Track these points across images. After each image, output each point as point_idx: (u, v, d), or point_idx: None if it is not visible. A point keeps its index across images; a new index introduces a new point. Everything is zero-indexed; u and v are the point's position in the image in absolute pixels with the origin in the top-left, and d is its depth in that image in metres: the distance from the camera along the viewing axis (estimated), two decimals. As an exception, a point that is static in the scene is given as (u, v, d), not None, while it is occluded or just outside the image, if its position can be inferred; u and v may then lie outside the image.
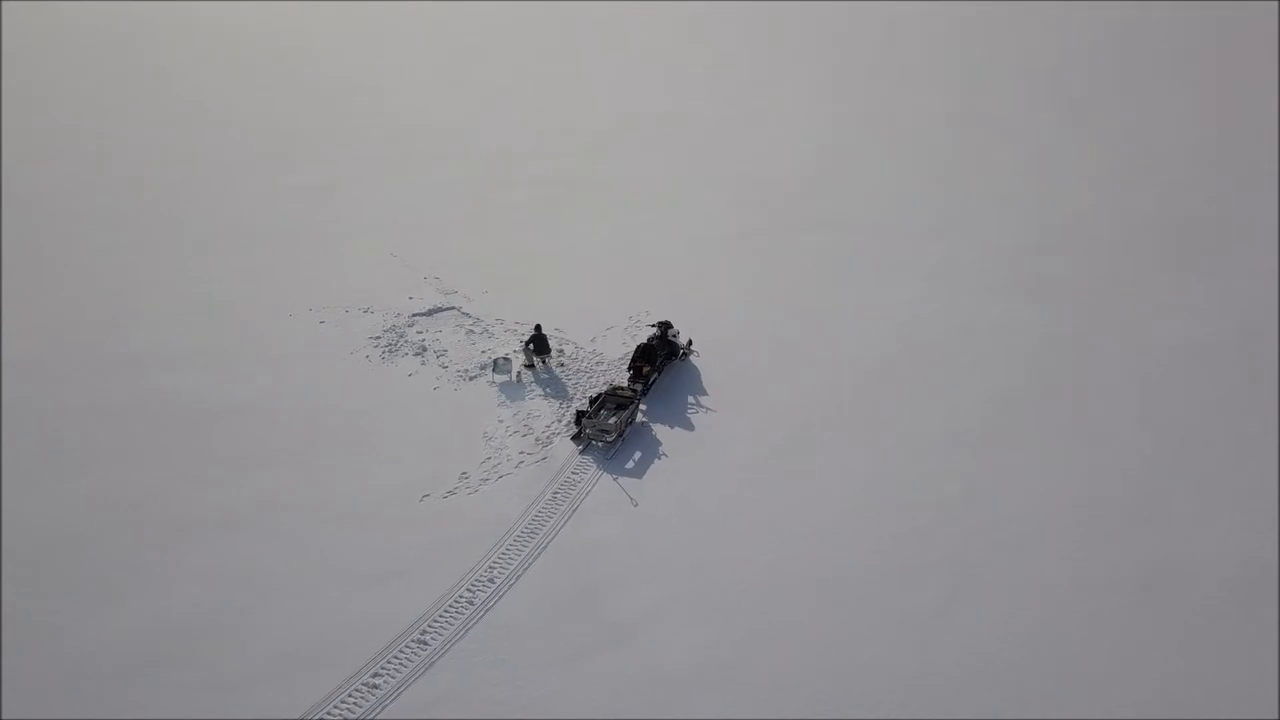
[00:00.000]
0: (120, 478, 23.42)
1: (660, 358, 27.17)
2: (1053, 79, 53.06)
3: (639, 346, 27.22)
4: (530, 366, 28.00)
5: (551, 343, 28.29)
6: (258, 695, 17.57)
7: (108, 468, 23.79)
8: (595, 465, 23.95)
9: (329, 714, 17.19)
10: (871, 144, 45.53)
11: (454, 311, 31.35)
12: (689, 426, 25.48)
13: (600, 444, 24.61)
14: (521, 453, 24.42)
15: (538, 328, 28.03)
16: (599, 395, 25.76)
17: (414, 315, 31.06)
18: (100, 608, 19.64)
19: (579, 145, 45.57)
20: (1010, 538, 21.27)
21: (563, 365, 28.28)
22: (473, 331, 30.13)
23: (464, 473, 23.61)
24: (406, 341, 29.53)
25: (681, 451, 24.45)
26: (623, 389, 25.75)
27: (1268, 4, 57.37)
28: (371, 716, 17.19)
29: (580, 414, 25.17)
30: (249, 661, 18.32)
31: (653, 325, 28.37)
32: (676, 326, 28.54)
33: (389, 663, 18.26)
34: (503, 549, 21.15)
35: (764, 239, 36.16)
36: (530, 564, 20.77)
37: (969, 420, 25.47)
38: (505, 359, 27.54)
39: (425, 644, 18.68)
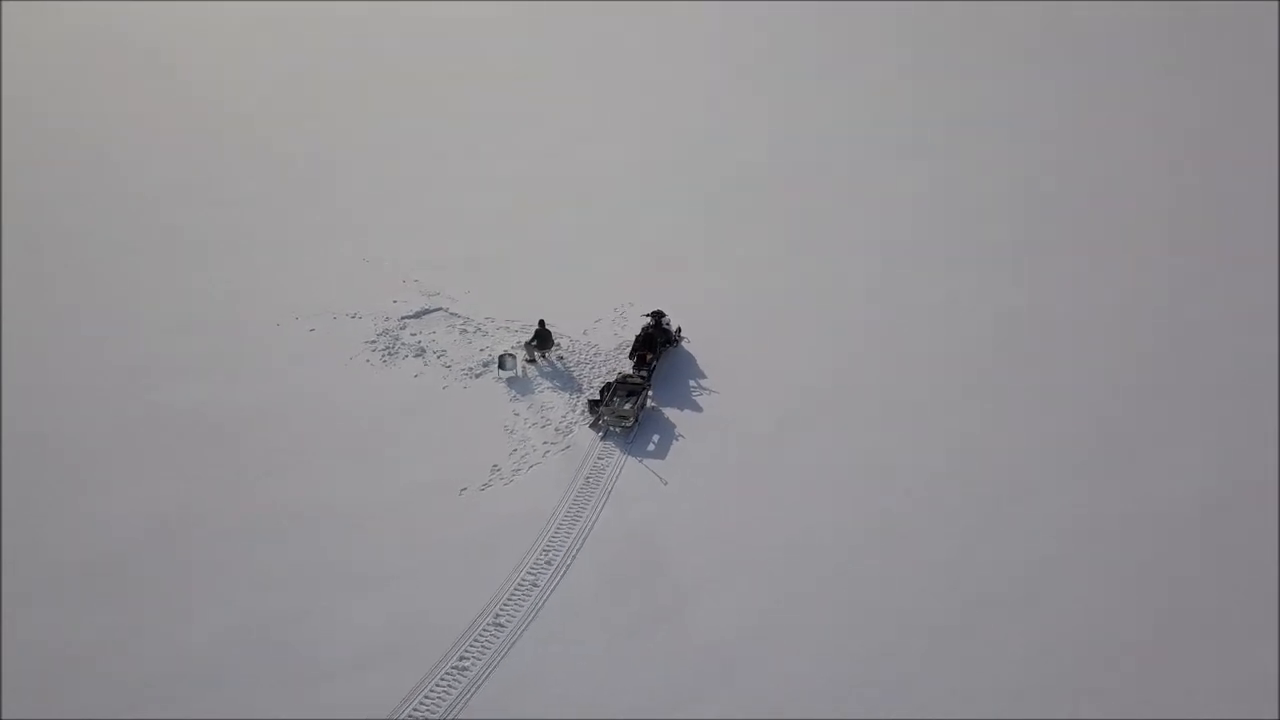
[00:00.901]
0: (149, 493, 23.54)
1: (659, 345, 28.57)
2: (1019, 65, 54.49)
3: (639, 335, 28.57)
4: (532, 361, 28.97)
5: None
6: (354, 686, 18.36)
7: (134, 484, 23.87)
8: (618, 450, 25.21)
9: (428, 697, 18.07)
10: (832, 138, 46.92)
11: (442, 312, 31.94)
12: (697, 408, 26.95)
13: (618, 429, 25.87)
14: (545, 443, 25.48)
15: (541, 323, 29.02)
16: (609, 384, 26.97)
17: (403, 318, 31.55)
18: (165, 620, 20.00)
19: (544, 144, 46.11)
20: (1010, 488, 23.52)
21: (561, 358, 29.33)
22: (466, 331, 30.84)
23: (495, 465, 24.55)
24: (403, 344, 30.06)
25: (696, 432, 25.92)
26: (633, 376, 27.03)
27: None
28: (469, 696, 18.14)
29: (593, 403, 26.41)
30: (333, 658, 19.02)
31: (647, 315, 29.66)
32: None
33: (471, 646, 19.21)
34: (551, 533, 22.26)
35: (737, 229, 37.58)
36: (580, 545, 21.96)
37: (951, 383, 27.64)
38: (510, 355, 28.45)
39: (501, 626, 19.70)
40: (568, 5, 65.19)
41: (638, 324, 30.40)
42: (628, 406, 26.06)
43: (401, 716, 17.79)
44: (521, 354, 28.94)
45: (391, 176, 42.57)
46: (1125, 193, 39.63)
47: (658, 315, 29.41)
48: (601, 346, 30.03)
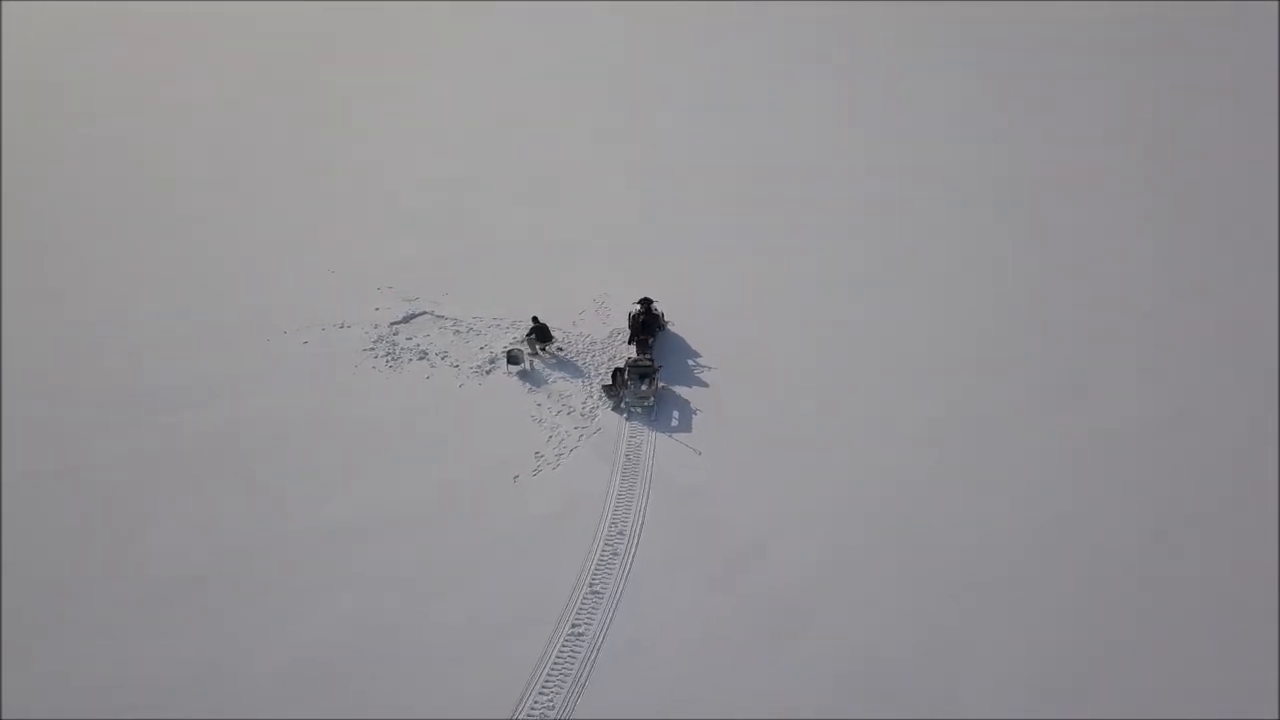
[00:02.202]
0: (210, 516, 23.79)
1: (655, 329, 30.61)
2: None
3: (639, 321, 30.48)
4: (535, 355, 30.38)
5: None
6: (484, 666, 19.67)
7: (189, 509, 24.05)
8: (646, 428, 27.12)
9: (557, 662, 19.64)
10: (787, 123, 49.29)
11: (428, 315, 32.82)
12: (703, 384, 29.14)
13: (639, 409, 27.77)
14: (577, 428, 27.10)
15: (535, 319, 30.46)
16: (618, 369, 28.77)
17: (392, 324, 32.26)
18: (266, 633, 20.62)
19: (491, 142, 46.77)
20: (999, 421, 26.93)
21: (561, 350, 30.87)
22: (459, 331, 31.87)
23: (538, 452, 26.02)
24: (402, 349, 30.84)
25: (710, 406, 28.11)
26: (642, 360, 28.94)
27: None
28: (594, 655, 19.82)
29: (606, 388, 28.21)
30: (452, 644, 20.21)
31: (636, 303, 31.57)
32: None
33: (579, 615, 20.84)
34: (613, 507, 24.01)
35: (696, 218, 39.81)
36: (644, 515, 23.80)
37: (929, 329, 30.90)
38: (518, 350, 29.78)
39: (598, 593, 21.40)
40: (513, 5, 66.30)
41: (621, 313, 32.37)
42: (644, 387, 27.97)
43: (539, 680, 19.27)
44: (525, 349, 30.28)
45: (335, 185, 42.63)
46: (1096, 174, 43.19)
47: (646, 302, 31.37)
48: (594, 336, 31.70)
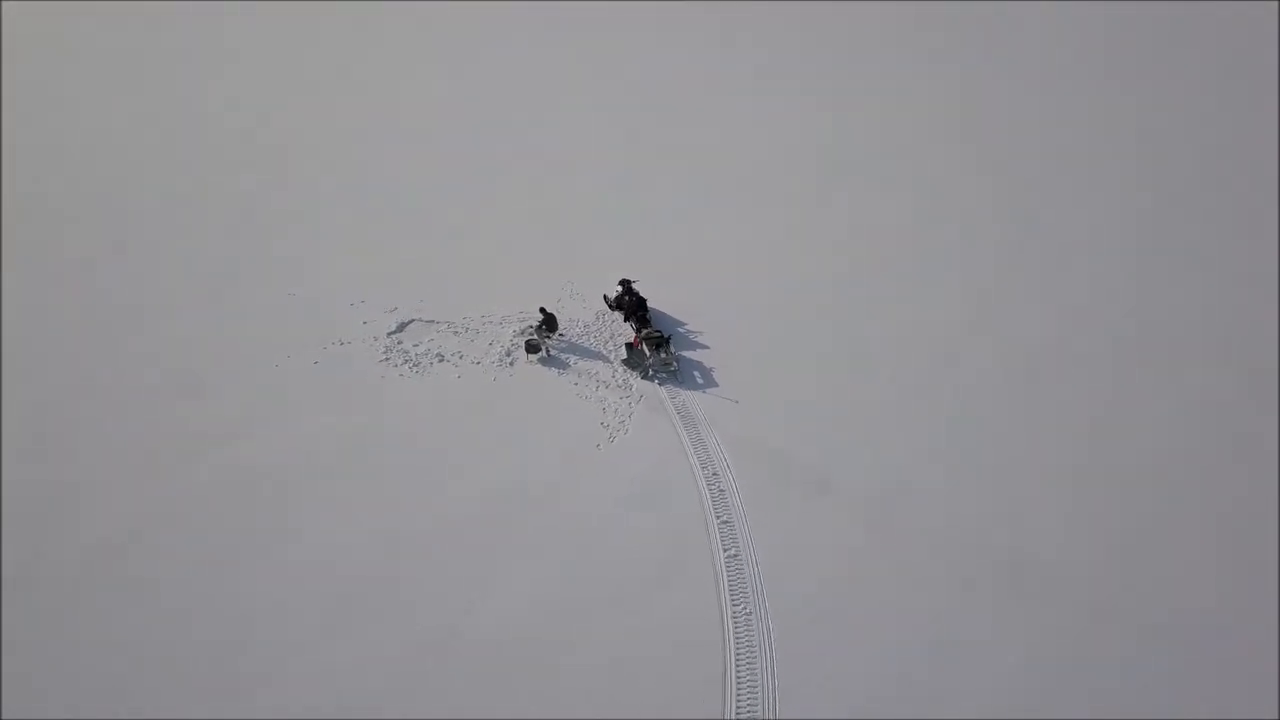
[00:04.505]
0: (346, 528, 25.04)
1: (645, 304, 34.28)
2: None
3: (628, 302, 33.93)
4: (542, 342, 33.04)
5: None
6: (676, 594, 22.98)
7: (330, 524, 25.16)
8: (681, 389, 30.84)
9: (731, 579, 23.31)
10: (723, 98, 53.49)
11: (418, 322, 34.34)
12: (704, 345, 33.18)
13: (665, 373, 31.39)
14: (622, 398, 30.32)
15: (542, 309, 33.09)
16: (629, 344, 32.17)
17: (390, 334, 33.55)
18: (458, 613, 22.72)
19: (409, 142, 47.55)
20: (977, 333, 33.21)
21: (563, 335, 33.70)
22: (458, 332, 33.74)
23: (602, 423, 29.08)
24: (418, 355, 32.35)
25: (721, 360, 32.21)
26: (652, 331, 32.48)
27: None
28: (757, 567, 23.69)
29: (625, 361, 31.64)
30: (639, 575, 23.34)
31: (618, 284, 34.93)
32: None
33: (725, 541, 24.54)
34: (694, 455, 27.70)
35: (645, 195, 43.44)
36: (725, 456, 27.65)
37: (884, 258, 36.74)
38: (534, 340, 32.29)
39: (729, 523, 25.19)
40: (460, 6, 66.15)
41: (593, 297, 35.62)
42: (664, 354, 31.63)
43: (726, 592, 22.91)
44: (537, 339, 32.85)
45: (268, 202, 42.37)
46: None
47: (626, 283, 34.84)
48: (584, 320, 34.69)
